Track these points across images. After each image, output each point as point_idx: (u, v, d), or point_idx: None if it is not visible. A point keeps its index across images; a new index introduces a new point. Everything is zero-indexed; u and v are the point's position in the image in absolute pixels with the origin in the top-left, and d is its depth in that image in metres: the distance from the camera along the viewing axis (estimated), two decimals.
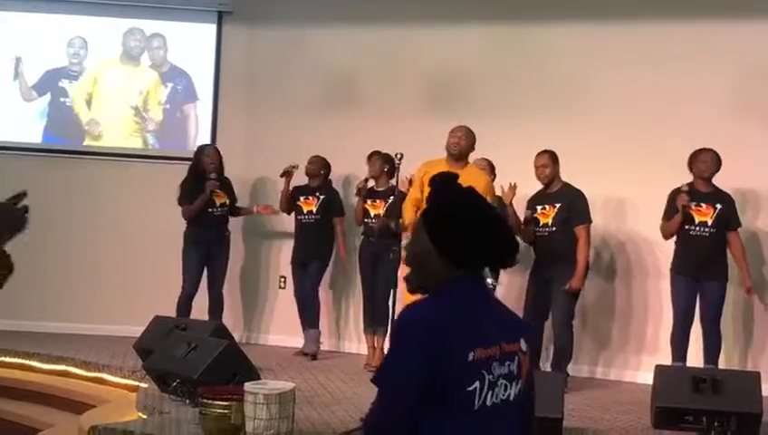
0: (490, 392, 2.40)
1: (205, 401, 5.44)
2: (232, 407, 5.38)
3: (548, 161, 7.66)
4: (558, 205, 7.60)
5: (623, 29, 8.57)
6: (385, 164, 8.52)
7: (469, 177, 6.38)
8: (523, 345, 2.47)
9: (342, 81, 9.51)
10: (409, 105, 9.15)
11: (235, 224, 9.44)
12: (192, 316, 8.59)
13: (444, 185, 2.59)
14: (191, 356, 6.39)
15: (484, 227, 2.50)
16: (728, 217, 7.44)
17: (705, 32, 8.30)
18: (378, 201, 8.58)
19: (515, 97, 8.83)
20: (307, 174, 8.91)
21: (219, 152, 9.09)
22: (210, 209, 8.87)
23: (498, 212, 2.64)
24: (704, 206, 7.46)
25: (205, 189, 8.77)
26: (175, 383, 6.33)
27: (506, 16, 8.98)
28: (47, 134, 9.99)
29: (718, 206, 7.43)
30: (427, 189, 6.66)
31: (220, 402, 5.40)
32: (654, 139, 8.23)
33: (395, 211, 7.64)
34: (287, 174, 8.83)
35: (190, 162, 9.02)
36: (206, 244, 8.91)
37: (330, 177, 9.04)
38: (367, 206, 8.61)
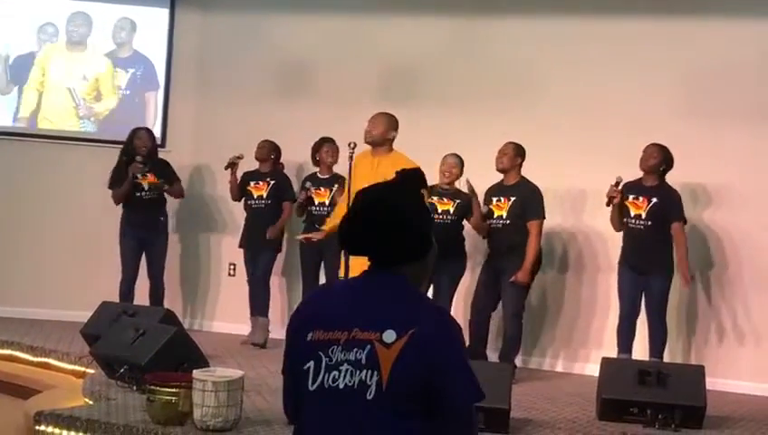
0: (327, 375, 2.44)
1: (152, 387, 5.40)
2: (180, 394, 5.35)
3: (510, 151, 7.71)
4: (513, 198, 7.64)
5: (577, 24, 8.62)
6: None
7: (394, 163, 6.37)
8: (386, 336, 2.43)
9: (296, 68, 9.48)
10: (363, 94, 9.11)
11: (180, 209, 9.39)
12: (135, 302, 8.55)
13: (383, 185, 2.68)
14: (139, 343, 6.36)
15: (357, 229, 2.59)
16: (666, 211, 7.50)
17: (658, 27, 8.38)
18: (323, 189, 8.59)
19: (470, 88, 8.84)
20: (257, 158, 8.84)
21: (152, 135, 9.02)
22: (138, 193, 8.81)
23: (377, 209, 2.58)
24: (640, 199, 7.55)
25: (129, 168, 8.72)
26: (122, 370, 6.29)
27: (463, 6, 8.99)
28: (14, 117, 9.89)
29: (654, 199, 7.50)
30: (359, 181, 6.57)
31: (168, 389, 5.37)
32: (608, 132, 8.30)
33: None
34: (232, 165, 8.75)
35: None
36: (139, 228, 8.87)
37: (280, 161, 8.98)
38: (312, 194, 8.61)
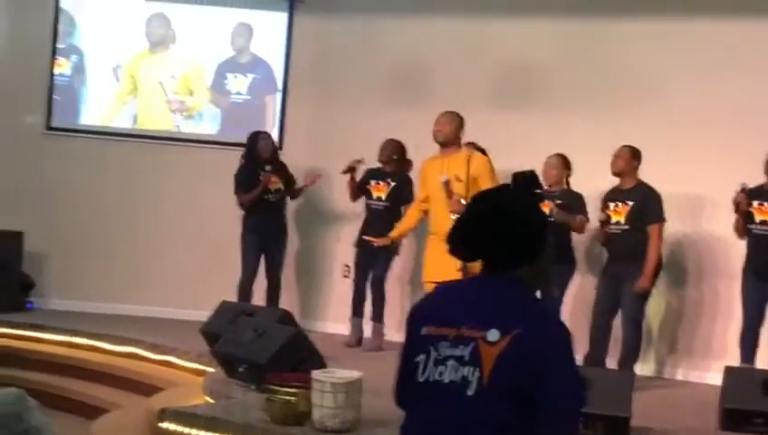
0: (434, 369, 2.56)
1: (272, 387, 5.47)
2: (299, 394, 5.40)
3: (625, 154, 7.63)
4: (631, 202, 7.53)
5: (698, 25, 8.44)
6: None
7: (465, 158, 6.73)
8: (491, 335, 2.50)
9: (411, 71, 9.49)
10: (478, 98, 9.06)
11: (297, 210, 9.50)
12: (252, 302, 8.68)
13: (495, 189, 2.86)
14: (258, 342, 6.43)
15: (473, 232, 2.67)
16: None
17: None
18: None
19: (585, 90, 8.74)
20: (379, 160, 8.88)
21: (272, 138, 9.14)
22: (266, 196, 8.92)
23: (504, 214, 2.64)
24: (765, 204, 7.36)
25: (260, 179, 8.84)
26: (242, 369, 6.37)
27: (578, 10, 8.86)
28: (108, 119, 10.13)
29: None
30: (428, 186, 6.89)
31: (287, 389, 5.42)
32: (728, 136, 8.11)
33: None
34: (351, 169, 8.77)
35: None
36: (263, 230, 8.97)
37: (407, 158, 8.86)
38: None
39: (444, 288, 2.79)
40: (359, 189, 8.85)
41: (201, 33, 10.03)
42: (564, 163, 8.02)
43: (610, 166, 7.65)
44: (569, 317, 7.75)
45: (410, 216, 7.26)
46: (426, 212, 7.26)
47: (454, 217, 6.31)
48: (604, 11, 8.76)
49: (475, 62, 9.27)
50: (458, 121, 7.03)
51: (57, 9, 9.95)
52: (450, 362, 2.52)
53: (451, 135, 6.93)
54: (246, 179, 8.91)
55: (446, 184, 6.77)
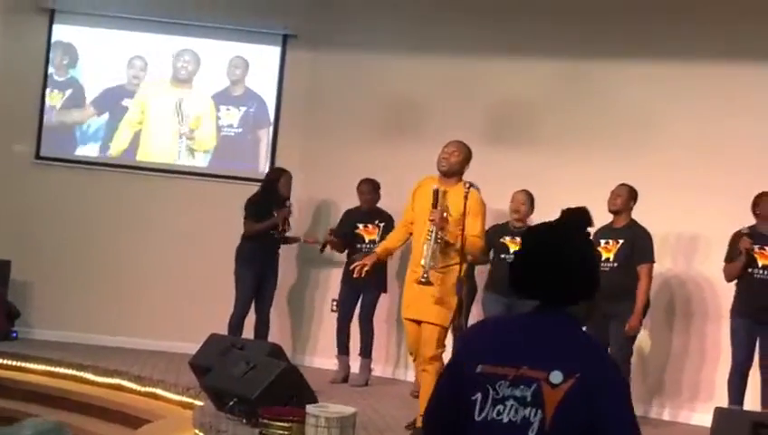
0: (492, 408, 2.52)
1: (265, 421, 5.45)
2: (292, 428, 5.40)
3: (624, 193, 7.74)
4: (621, 241, 7.58)
5: (692, 69, 8.54)
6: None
7: (459, 194, 6.47)
8: (553, 377, 2.48)
9: (403, 108, 9.56)
10: (470, 135, 9.04)
11: (286, 246, 9.52)
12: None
13: (555, 223, 2.71)
14: (249, 376, 6.40)
15: (524, 263, 2.66)
16: None
17: None
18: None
19: (579, 130, 8.85)
20: (361, 203, 8.93)
21: (291, 178, 9.17)
22: (272, 232, 8.93)
23: (562, 251, 2.64)
24: (767, 249, 7.41)
25: (274, 213, 8.84)
26: (232, 402, 6.34)
27: (572, 51, 8.97)
28: (103, 150, 10.10)
29: None
30: (418, 206, 6.60)
31: (281, 424, 5.42)
32: (721, 176, 8.19)
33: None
34: (324, 245, 9.01)
35: (261, 182, 9.11)
36: (260, 264, 8.94)
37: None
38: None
39: (495, 323, 2.81)
40: (345, 242, 8.89)
41: (200, 64, 10.09)
42: (531, 198, 8.12)
43: (608, 203, 7.71)
44: None
45: (397, 233, 6.97)
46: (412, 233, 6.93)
47: (430, 226, 6.38)
48: (598, 51, 8.87)
49: (467, 100, 9.34)
50: (467, 154, 6.72)
51: (49, 40, 9.96)
52: (509, 402, 2.50)
53: (456, 165, 6.62)
54: (260, 211, 8.89)
55: (437, 193, 6.51)
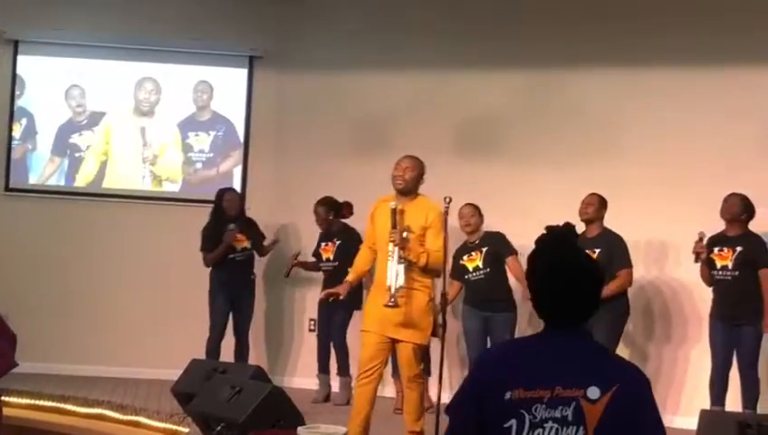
0: (531, 433, 2.52)
1: None
2: None
3: (595, 202, 7.83)
4: (598, 250, 7.63)
5: (656, 76, 8.64)
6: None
7: (418, 210, 6.35)
8: (591, 393, 2.52)
9: (373, 125, 9.56)
10: (439, 150, 9.15)
11: (261, 266, 9.48)
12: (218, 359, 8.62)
13: (553, 241, 2.73)
14: (236, 400, 6.39)
15: (556, 289, 2.66)
16: (753, 259, 7.44)
17: (737, 79, 8.38)
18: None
19: (549, 141, 8.90)
20: (318, 224, 8.99)
21: (238, 195, 9.16)
22: (232, 255, 8.92)
23: (580, 271, 2.69)
24: (725, 250, 7.49)
25: (223, 237, 8.83)
26: (220, 427, 6.32)
27: (539, 63, 9.04)
28: (69, 179, 10.05)
29: (738, 248, 7.43)
30: (378, 228, 6.41)
31: None
32: (690, 183, 8.29)
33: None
34: (292, 267, 9.03)
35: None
36: (230, 287, 8.94)
37: (345, 216, 8.93)
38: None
39: (514, 348, 2.78)
40: (316, 263, 8.94)
41: (163, 91, 10.04)
42: (478, 210, 8.25)
43: (579, 213, 7.77)
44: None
45: (363, 256, 6.78)
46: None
47: (391, 246, 6.27)
48: (564, 61, 8.94)
49: (436, 114, 9.38)
50: (421, 168, 6.53)
51: (14, 71, 9.90)
52: (549, 425, 2.51)
53: (411, 182, 6.45)
54: (212, 236, 8.90)
55: (394, 212, 6.33)
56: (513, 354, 2.72)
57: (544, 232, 2.76)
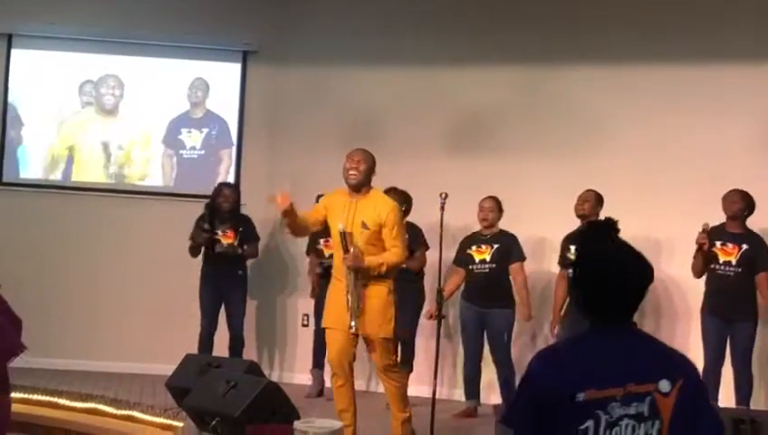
0: (609, 432, 2.54)
1: None
2: None
3: (591, 198, 7.88)
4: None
5: (649, 72, 8.67)
6: None
7: (373, 203, 6.33)
8: (662, 386, 2.59)
9: (365, 120, 9.57)
10: (432, 145, 9.23)
11: (256, 262, 9.48)
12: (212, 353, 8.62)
13: (593, 237, 2.83)
14: (231, 394, 6.39)
15: (610, 285, 2.69)
16: (755, 258, 7.48)
17: (727, 75, 8.42)
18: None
19: (541, 136, 8.95)
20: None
21: (235, 190, 9.15)
22: (219, 250, 8.93)
23: (636, 265, 2.74)
24: (729, 245, 7.52)
25: (216, 231, 8.88)
26: (215, 422, 6.32)
27: (531, 58, 9.07)
28: (69, 173, 10.04)
29: (744, 246, 7.47)
30: (331, 221, 6.32)
31: None
32: (680, 179, 8.33)
33: None
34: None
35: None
36: (218, 280, 8.97)
37: None
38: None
39: (573, 349, 2.73)
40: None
41: (153, 87, 10.02)
42: (499, 205, 8.20)
43: (575, 209, 7.81)
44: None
45: (309, 216, 6.60)
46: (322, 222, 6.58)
47: (348, 271, 6.23)
48: (555, 57, 8.98)
49: (428, 109, 9.41)
50: (372, 161, 6.47)
51: (8, 65, 9.88)
52: (625, 422, 2.55)
53: (364, 175, 6.39)
54: (201, 228, 8.92)
55: (344, 235, 6.25)
56: (574, 356, 2.69)
57: (586, 228, 2.80)
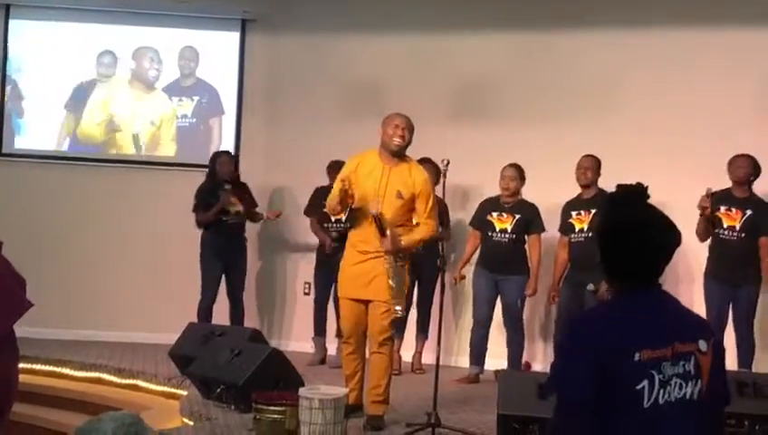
0: (662, 391, 2.59)
1: (259, 406, 5.47)
2: (287, 412, 5.41)
3: (593, 165, 7.83)
4: (594, 210, 7.66)
5: (652, 35, 8.64)
6: None
7: (408, 171, 6.05)
8: (701, 345, 2.65)
9: (366, 88, 9.54)
10: (435, 113, 9.15)
11: (255, 230, 9.48)
12: (213, 322, 8.61)
13: (624, 201, 2.80)
14: (235, 362, 6.42)
15: (646, 247, 2.73)
16: (759, 223, 7.49)
17: (734, 38, 8.39)
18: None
19: (544, 102, 8.91)
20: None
21: (233, 158, 9.15)
22: (225, 218, 8.88)
23: (666, 230, 2.78)
24: (733, 210, 7.52)
25: (219, 198, 8.81)
26: (219, 389, 6.36)
27: (533, 23, 9.04)
28: (73, 144, 10.00)
29: (749, 211, 7.47)
30: (361, 186, 5.95)
31: (275, 408, 5.44)
32: (686, 142, 8.31)
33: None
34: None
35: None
36: (222, 251, 8.92)
37: None
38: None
39: (618, 310, 2.71)
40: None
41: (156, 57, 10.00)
42: (521, 173, 8.14)
43: (577, 178, 7.80)
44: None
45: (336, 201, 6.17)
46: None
47: (388, 256, 5.97)
48: (558, 22, 8.95)
49: (430, 77, 9.36)
50: (413, 128, 6.22)
51: (6, 36, 9.84)
52: (674, 380, 2.60)
53: (408, 143, 6.15)
54: (206, 198, 8.88)
55: (378, 219, 5.93)
56: (626, 317, 2.68)
57: (616, 191, 2.79)
